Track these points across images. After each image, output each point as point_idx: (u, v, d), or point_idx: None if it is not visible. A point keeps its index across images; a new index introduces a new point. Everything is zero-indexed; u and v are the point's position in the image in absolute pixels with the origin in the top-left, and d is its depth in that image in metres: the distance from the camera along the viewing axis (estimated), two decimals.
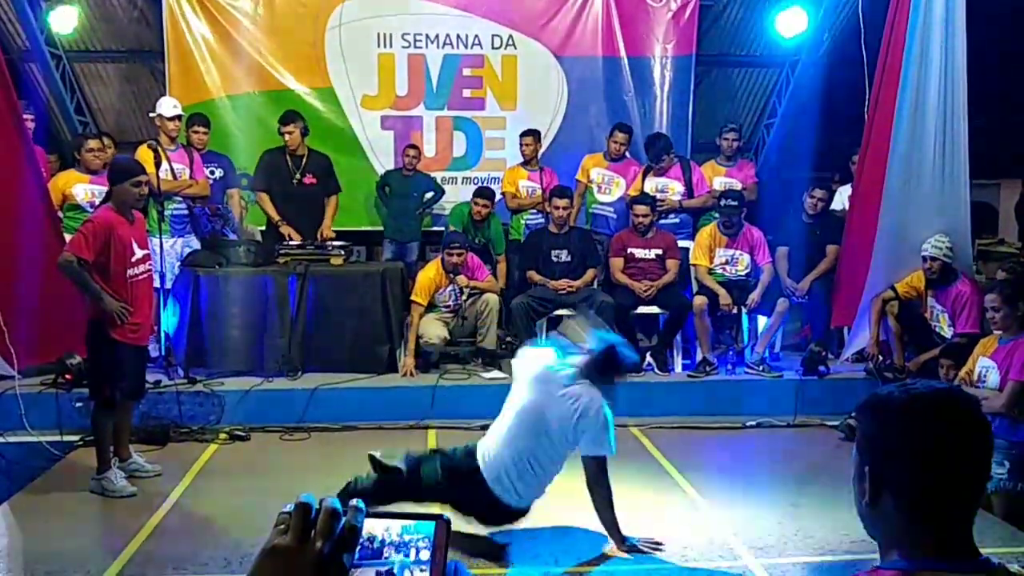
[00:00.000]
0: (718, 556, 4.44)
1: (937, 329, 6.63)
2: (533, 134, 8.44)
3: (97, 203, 6.11)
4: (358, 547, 0.94)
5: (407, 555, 0.96)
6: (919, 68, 6.72)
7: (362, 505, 0.95)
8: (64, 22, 8.51)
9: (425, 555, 0.96)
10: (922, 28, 6.69)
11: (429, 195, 8.77)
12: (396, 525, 0.98)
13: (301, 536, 0.92)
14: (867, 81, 7.25)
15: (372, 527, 0.97)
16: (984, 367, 5.18)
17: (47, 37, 8.51)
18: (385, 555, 0.96)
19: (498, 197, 8.36)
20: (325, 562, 0.91)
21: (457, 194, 9.09)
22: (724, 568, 4.32)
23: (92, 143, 7.32)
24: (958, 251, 6.59)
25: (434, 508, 3.93)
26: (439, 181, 8.98)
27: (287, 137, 7.78)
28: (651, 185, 8.00)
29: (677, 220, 8.07)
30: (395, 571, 0.96)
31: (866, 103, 7.31)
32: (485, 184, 8.60)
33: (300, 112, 8.07)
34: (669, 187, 8.02)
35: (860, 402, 1.46)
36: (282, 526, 0.93)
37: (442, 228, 8.60)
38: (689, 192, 8.04)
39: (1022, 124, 9.54)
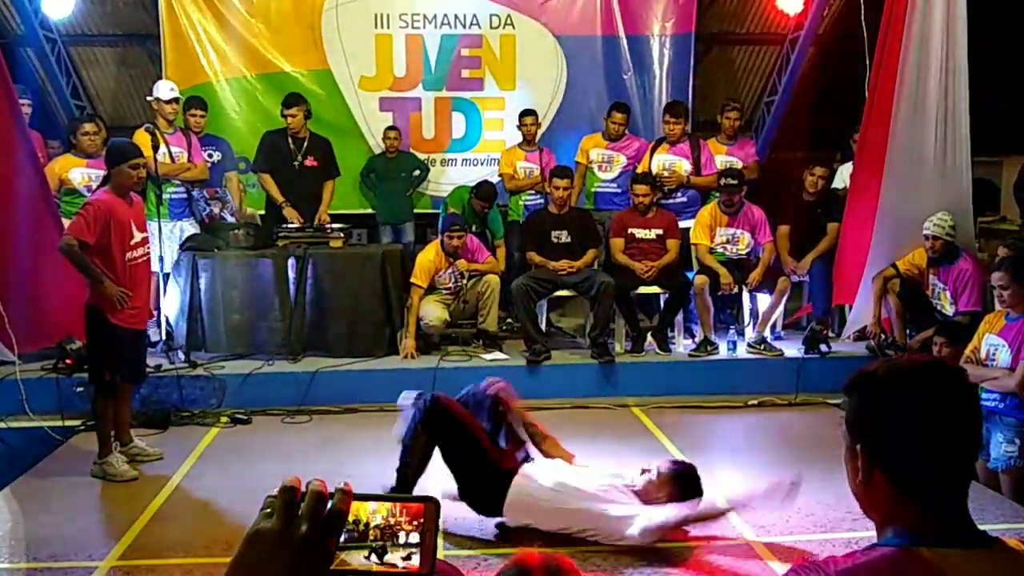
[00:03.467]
0: (720, 534, 4.44)
1: (939, 307, 6.60)
2: (533, 114, 8.39)
3: (94, 187, 6.09)
4: (344, 530, 0.93)
5: (395, 538, 0.95)
6: (920, 44, 6.67)
7: (349, 488, 0.93)
8: (58, 6, 8.44)
9: (415, 538, 0.95)
10: (923, 3, 6.63)
11: (417, 173, 8.74)
12: (383, 508, 0.96)
13: (286, 520, 0.91)
14: (868, 58, 7.19)
15: (359, 510, 0.95)
16: (992, 345, 5.03)
17: (42, 21, 8.45)
18: (372, 538, 0.95)
19: (496, 179, 8.33)
20: (309, 546, 0.90)
21: (457, 176, 9.05)
22: (726, 546, 4.33)
23: (88, 126, 7.28)
24: (960, 229, 6.55)
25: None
26: (439, 163, 8.91)
27: (290, 120, 7.72)
28: (658, 162, 7.93)
29: (685, 199, 8.01)
30: (382, 553, 0.94)
31: (867, 80, 7.25)
32: (484, 164, 8.52)
33: (302, 95, 8.03)
34: (676, 165, 7.96)
35: (846, 380, 1.45)
36: (268, 510, 0.92)
37: (440, 210, 8.56)
38: (696, 171, 7.97)
39: None
